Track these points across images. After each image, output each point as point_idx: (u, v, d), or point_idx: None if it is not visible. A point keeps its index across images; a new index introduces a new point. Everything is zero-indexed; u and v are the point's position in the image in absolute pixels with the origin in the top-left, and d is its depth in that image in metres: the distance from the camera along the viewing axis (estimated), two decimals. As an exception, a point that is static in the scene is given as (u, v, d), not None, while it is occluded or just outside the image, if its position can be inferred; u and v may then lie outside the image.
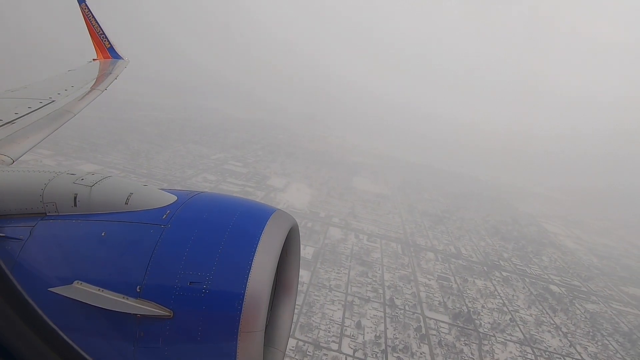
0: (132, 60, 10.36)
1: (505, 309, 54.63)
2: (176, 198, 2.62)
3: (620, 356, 49.16)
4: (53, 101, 5.58)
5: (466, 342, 44.78)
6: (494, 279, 63.83)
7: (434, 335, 44.80)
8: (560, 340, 49.63)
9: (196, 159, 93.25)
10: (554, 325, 52.87)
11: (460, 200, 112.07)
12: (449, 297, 54.08)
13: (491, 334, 47.63)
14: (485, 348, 44.57)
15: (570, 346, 48.70)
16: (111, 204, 2.49)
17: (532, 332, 49.79)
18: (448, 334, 45.60)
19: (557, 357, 45.86)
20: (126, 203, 2.49)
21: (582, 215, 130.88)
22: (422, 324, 46.42)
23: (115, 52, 10.17)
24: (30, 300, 1.18)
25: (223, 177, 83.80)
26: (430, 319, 48.16)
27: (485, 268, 67.54)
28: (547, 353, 46.14)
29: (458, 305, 52.43)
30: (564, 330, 52.42)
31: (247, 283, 2.14)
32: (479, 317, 50.71)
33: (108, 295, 2.08)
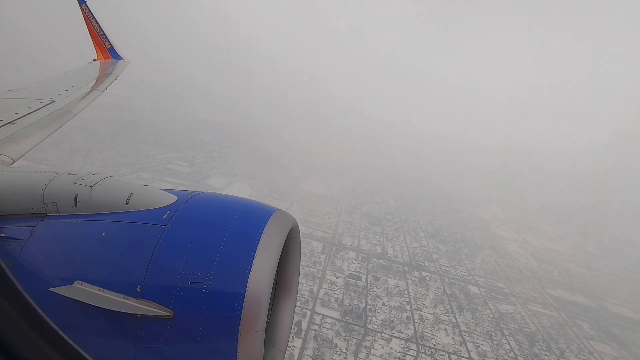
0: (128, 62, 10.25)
1: (407, 307, 54.50)
2: (176, 198, 2.62)
3: (512, 355, 48.96)
4: (53, 101, 5.59)
5: (346, 337, 44.58)
6: (410, 279, 63.74)
7: (314, 330, 44.61)
8: (453, 338, 49.44)
9: (139, 158, 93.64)
10: (453, 324, 52.69)
11: (413, 204, 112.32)
12: (349, 295, 53.96)
13: (379, 330, 47.46)
14: (366, 344, 44.36)
15: (461, 344, 48.51)
16: (112, 204, 2.48)
17: (425, 330, 49.59)
18: (330, 329, 45.41)
19: (441, 354, 45.64)
20: (126, 203, 2.49)
21: (541, 222, 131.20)
22: (306, 319, 46.24)
23: (116, 52, 10.14)
24: (31, 300, 1.18)
25: (160, 176, 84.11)
26: (319, 314, 48.00)
27: (406, 268, 67.49)
28: (431, 350, 45.93)
29: (355, 303, 52.29)
30: (463, 329, 52.24)
31: (248, 283, 2.14)
32: (373, 314, 50.57)
33: (108, 295, 2.08)
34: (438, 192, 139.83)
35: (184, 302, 2.10)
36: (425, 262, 72.23)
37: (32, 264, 2.26)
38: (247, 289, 2.12)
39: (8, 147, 3.92)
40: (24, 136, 4.28)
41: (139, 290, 2.11)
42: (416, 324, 50.61)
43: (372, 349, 43.59)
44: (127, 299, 2.08)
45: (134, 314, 2.07)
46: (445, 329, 51.04)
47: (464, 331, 51.69)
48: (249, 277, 2.15)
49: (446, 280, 66.41)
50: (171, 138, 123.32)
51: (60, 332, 1.25)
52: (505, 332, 53.93)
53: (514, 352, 49.58)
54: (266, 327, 2.35)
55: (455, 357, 45.87)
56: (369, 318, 49.51)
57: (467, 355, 46.67)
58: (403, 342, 46.21)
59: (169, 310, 2.08)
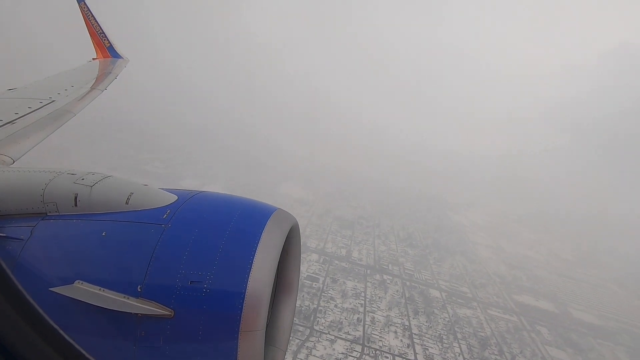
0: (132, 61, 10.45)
1: (360, 309, 54.54)
2: (176, 197, 2.64)
3: (460, 359, 48.93)
4: (53, 101, 5.62)
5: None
6: (370, 282, 63.82)
7: (257, 329, 44.60)
8: (402, 340, 49.44)
9: (114, 158, 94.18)
10: (405, 327, 52.70)
11: (390, 209, 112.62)
12: (301, 296, 53.97)
13: (325, 331, 47.48)
14: (308, 344, 44.38)
15: (408, 347, 48.50)
16: (112, 204, 2.50)
17: (373, 332, 49.62)
18: (274, 329, 45.41)
19: (385, 356, 45.63)
20: (127, 203, 2.50)
21: (522, 229, 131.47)
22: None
23: (115, 51, 10.20)
24: (31, 300, 1.19)
25: (130, 175, 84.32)
26: (266, 314, 48.01)
27: (368, 271, 67.59)
28: (376, 352, 45.93)
29: (307, 304, 52.34)
30: (415, 332, 52.25)
31: (248, 282, 2.15)
32: (323, 316, 50.61)
33: (109, 295, 2.09)
34: (421, 198, 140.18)
35: (184, 302, 2.11)
36: (390, 265, 72.33)
37: (32, 264, 2.26)
38: (247, 288, 2.13)
39: (8, 147, 3.95)
40: (24, 136, 4.30)
41: (139, 290, 2.11)
42: (366, 326, 50.64)
43: (313, 350, 43.60)
44: (128, 298, 2.09)
45: (135, 313, 2.07)
46: (396, 332, 51.05)
47: (415, 334, 51.69)
48: (250, 276, 2.16)
49: (407, 283, 66.47)
50: (155, 140, 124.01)
51: (61, 332, 1.27)
52: (459, 336, 53.92)
53: (463, 356, 49.58)
54: (266, 326, 2.35)
55: (400, 359, 45.86)
56: (318, 319, 49.57)
57: (412, 358, 46.66)
58: (348, 343, 46.23)
59: (169, 309, 2.09)
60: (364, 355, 44.81)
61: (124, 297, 2.09)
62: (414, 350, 48.09)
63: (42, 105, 5.34)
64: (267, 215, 2.54)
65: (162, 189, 2.75)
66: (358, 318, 51.89)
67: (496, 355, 51.64)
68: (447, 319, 57.66)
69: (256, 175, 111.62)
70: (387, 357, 45.52)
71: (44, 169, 2.76)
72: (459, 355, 49.48)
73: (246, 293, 2.12)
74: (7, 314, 1.10)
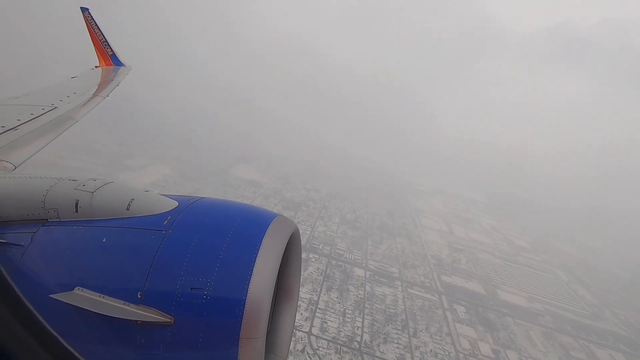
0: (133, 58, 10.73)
1: (270, 284, 55.60)
2: (177, 204, 2.66)
3: (358, 332, 50.28)
4: (55, 108, 5.69)
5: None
6: (293, 260, 64.81)
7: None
8: (302, 314, 50.63)
9: (65, 138, 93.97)
10: (312, 302, 53.91)
11: (347, 193, 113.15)
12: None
13: (223, 303, 48.60)
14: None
15: (306, 320, 49.79)
16: (112, 210, 2.52)
17: (275, 305, 50.77)
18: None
19: (278, 328, 46.90)
20: (127, 209, 2.52)
21: (483, 215, 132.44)
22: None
23: (118, 59, 10.40)
24: (31, 307, 1.19)
25: (73, 154, 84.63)
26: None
27: (295, 250, 68.54)
28: (268, 323, 47.18)
29: (214, 278, 53.38)
30: (320, 306, 53.49)
31: (248, 289, 2.16)
32: (227, 289, 51.69)
33: (109, 302, 2.10)
34: (388, 183, 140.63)
35: (185, 309, 2.12)
36: (321, 245, 73.31)
37: (32, 270, 2.28)
38: (247, 294, 2.15)
39: (10, 153, 4.01)
40: (25, 142, 4.36)
41: (139, 297, 2.12)
42: (270, 300, 51.79)
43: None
44: (128, 305, 2.10)
45: (134, 320, 2.08)
46: (299, 306, 52.12)
47: (319, 308, 52.94)
48: (250, 283, 2.18)
49: (333, 262, 67.50)
50: (123, 124, 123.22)
51: (60, 339, 1.28)
52: (366, 312, 55.21)
53: (361, 330, 50.90)
54: (267, 333, 2.35)
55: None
56: (220, 292, 50.68)
57: (307, 330, 47.98)
58: (243, 315, 47.41)
59: (169, 316, 2.10)
60: (255, 326, 46.04)
61: (124, 303, 2.11)
62: (311, 323, 49.39)
63: (44, 111, 5.40)
64: (268, 221, 2.57)
65: (163, 195, 2.79)
66: (263, 292, 53.01)
67: (398, 330, 53.00)
68: (360, 296, 58.90)
69: (212, 158, 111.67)
70: (280, 329, 46.77)
71: (46, 175, 2.79)
72: (357, 329, 50.80)
73: (247, 300, 2.14)
74: (7, 320, 1.11)
